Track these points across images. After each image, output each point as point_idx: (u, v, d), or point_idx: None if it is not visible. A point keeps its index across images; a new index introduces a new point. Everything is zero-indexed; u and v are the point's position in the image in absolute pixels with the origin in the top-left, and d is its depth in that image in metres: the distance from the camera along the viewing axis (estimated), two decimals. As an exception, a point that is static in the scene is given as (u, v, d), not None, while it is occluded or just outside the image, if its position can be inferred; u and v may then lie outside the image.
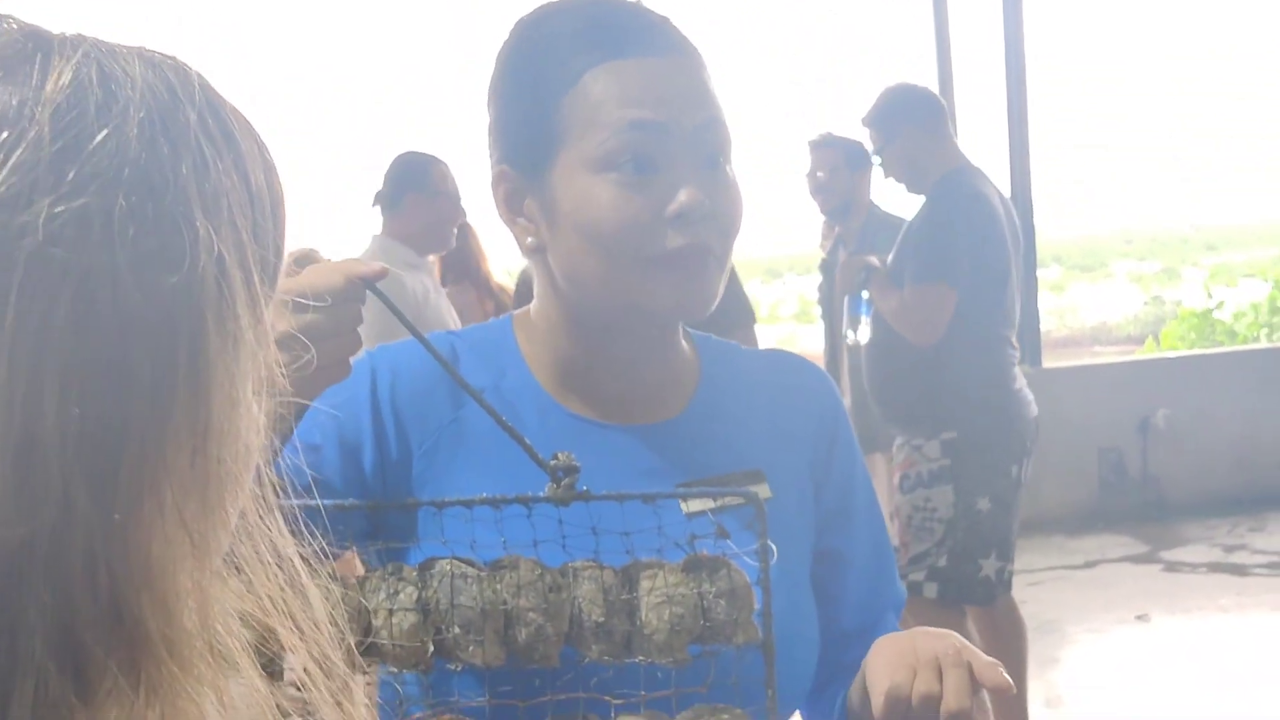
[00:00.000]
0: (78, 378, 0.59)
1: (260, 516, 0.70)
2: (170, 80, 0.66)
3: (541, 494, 1.22)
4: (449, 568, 1.21)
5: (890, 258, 4.34)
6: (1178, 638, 5.89)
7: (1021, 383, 4.26)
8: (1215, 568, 6.90)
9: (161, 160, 0.63)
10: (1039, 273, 8.02)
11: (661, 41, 1.34)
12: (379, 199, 4.77)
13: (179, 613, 0.62)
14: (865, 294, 4.36)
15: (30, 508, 0.58)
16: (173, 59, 0.68)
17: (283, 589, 0.71)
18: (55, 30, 0.66)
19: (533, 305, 1.44)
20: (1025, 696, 4.40)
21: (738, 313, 4.68)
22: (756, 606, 1.22)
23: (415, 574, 1.22)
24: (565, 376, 1.40)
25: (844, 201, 5.74)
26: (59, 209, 0.59)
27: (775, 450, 1.42)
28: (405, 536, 1.32)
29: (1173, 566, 6.99)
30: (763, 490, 1.34)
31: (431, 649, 1.20)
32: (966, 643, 1.25)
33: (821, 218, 6.13)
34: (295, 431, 1.21)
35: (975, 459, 4.14)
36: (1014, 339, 4.30)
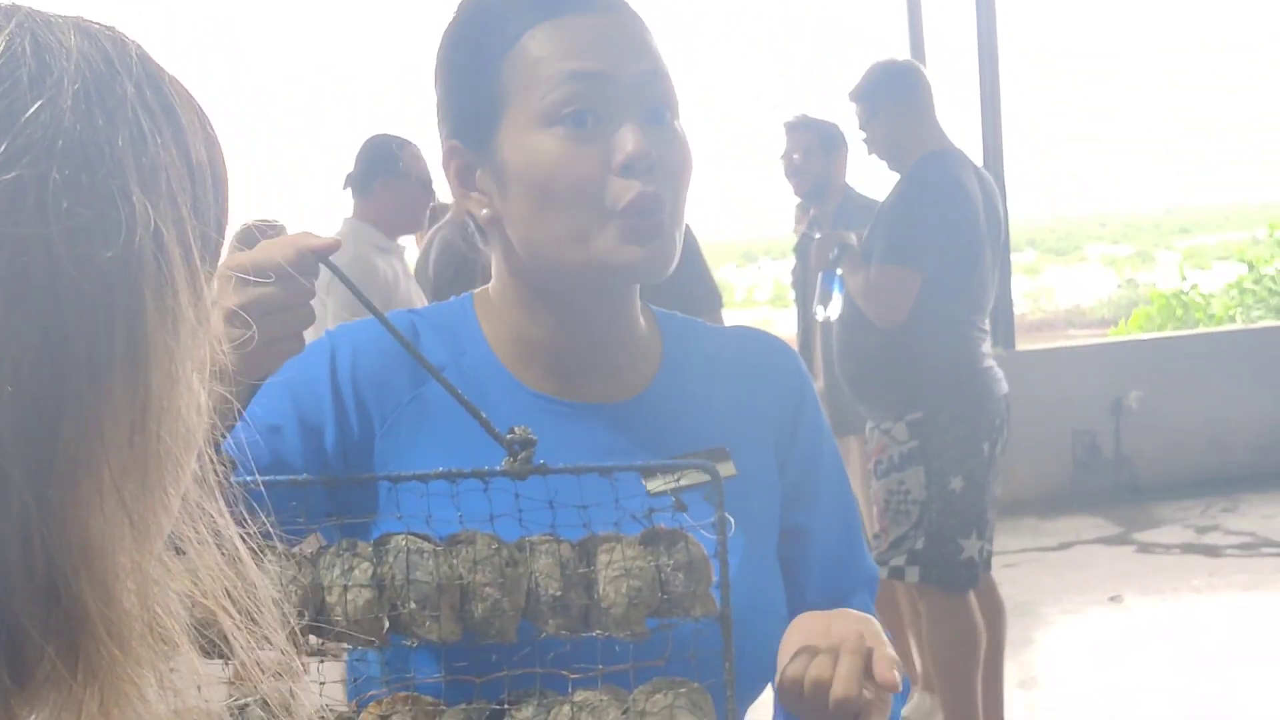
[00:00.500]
0: (10, 352, 0.57)
1: (202, 498, 0.69)
2: (107, 51, 0.65)
3: (498, 468, 1.21)
4: (404, 543, 1.20)
5: (865, 236, 4.34)
6: (1151, 618, 5.92)
7: (990, 362, 4.25)
8: (1188, 549, 6.94)
9: (97, 132, 0.61)
10: (1013, 256, 8.05)
11: (598, 1, 1.34)
12: (349, 181, 4.76)
13: (118, 593, 0.61)
14: (839, 271, 4.35)
15: None
16: (110, 29, 0.67)
17: (224, 571, 0.70)
18: None
19: (491, 283, 1.43)
20: (1001, 678, 4.42)
21: (705, 298, 4.68)
22: (715, 579, 1.21)
23: (370, 549, 1.21)
24: (526, 354, 1.39)
25: (818, 183, 5.73)
26: None
27: (739, 428, 1.41)
28: (367, 514, 1.31)
29: (1146, 548, 7.02)
30: (726, 468, 1.33)
31: (387, 625, 1.19)
32: (879, 631, 1.25)
33: (796, 200, 6.13)
34: (251, 410, 1.20)
35: (943, 438, 4.14)
36: (984, 322, 4.29)
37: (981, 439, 4.17)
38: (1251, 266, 12.90)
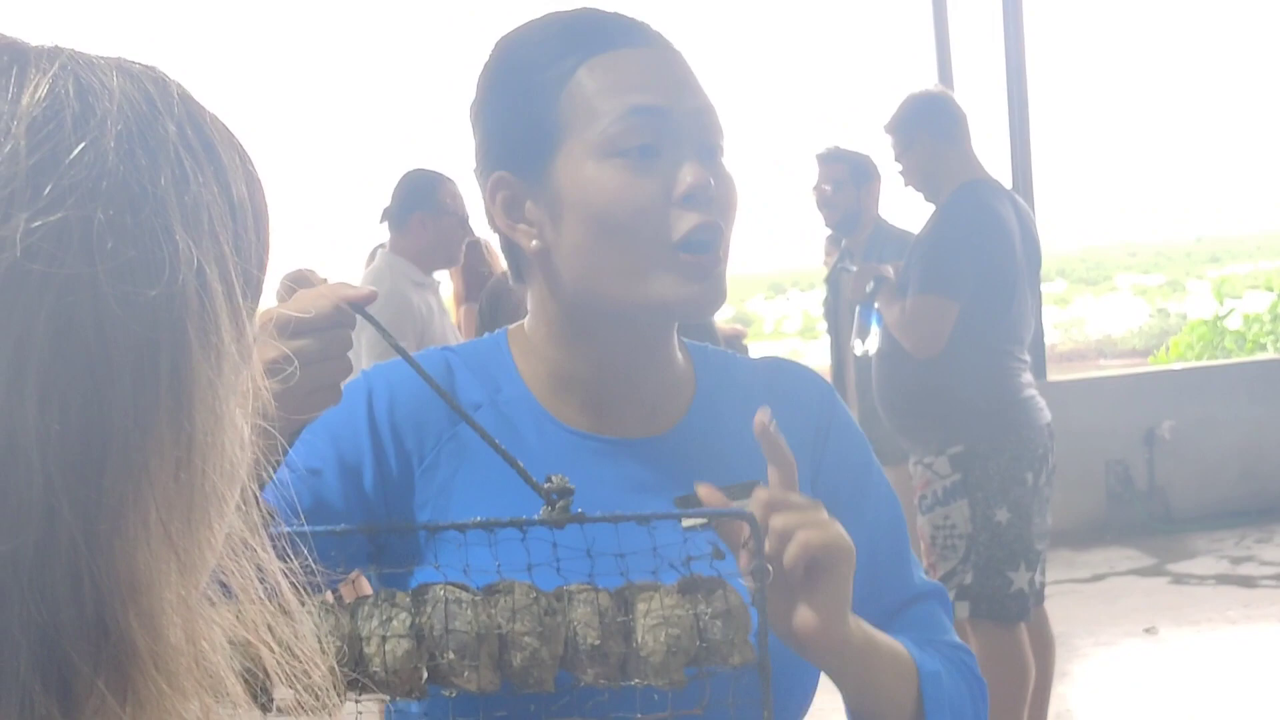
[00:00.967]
0: (58, 391, 0.58)
1: (247, 537, 0.69)
2: (149, 91, 0.65)
3: (535, 517, 1.21)
4: (443, 593, 1.20)
5: (901, 269, 4.33)
6: (1186, 650, 5.87)
7: (1031, 391, 4.21)
8: (1223, 579, 6.88)
9: (140, 172, 0.62)
10: (1043, 287, 8.02)
11: (648, 35, 1.36)
12: (386, 215, 4.78)
13: (165, 628, 0.61)
14: (876, 304, 4.34)
15: (13, 522, 0.57)
16: (152, 69, 0.67)
17: (269, 613, 0.70)
18: (33, 42, 0.65)
19: (527, 319, 1.43)
20: (1045, 713, 4.37)
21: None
22: (753, 627, 1.21)
23: (408, 599, 1.21)
24: (561, 389, 1.40)
25: (849, 215, 5.73)
26: (36, 223, 0.58)
27: None
28: (408, 558, 1.31)
29: (1180, 579, 6.97)
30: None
31: (425, 675, 1.19)
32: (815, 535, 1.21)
33: (826, 232, 6.13)
34: (291, 456, 1.20)
35: (985, 470, 4.10)
36: (1023, 353, 4.26)
37: (1024, 469, 4.13)
38: (1280, 294, 12.79)
